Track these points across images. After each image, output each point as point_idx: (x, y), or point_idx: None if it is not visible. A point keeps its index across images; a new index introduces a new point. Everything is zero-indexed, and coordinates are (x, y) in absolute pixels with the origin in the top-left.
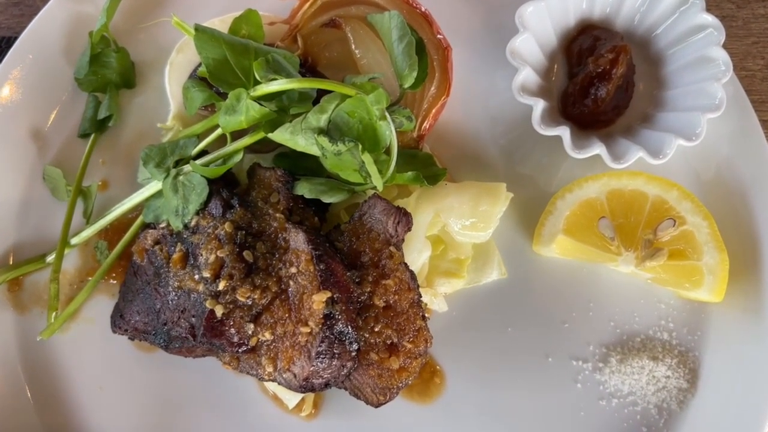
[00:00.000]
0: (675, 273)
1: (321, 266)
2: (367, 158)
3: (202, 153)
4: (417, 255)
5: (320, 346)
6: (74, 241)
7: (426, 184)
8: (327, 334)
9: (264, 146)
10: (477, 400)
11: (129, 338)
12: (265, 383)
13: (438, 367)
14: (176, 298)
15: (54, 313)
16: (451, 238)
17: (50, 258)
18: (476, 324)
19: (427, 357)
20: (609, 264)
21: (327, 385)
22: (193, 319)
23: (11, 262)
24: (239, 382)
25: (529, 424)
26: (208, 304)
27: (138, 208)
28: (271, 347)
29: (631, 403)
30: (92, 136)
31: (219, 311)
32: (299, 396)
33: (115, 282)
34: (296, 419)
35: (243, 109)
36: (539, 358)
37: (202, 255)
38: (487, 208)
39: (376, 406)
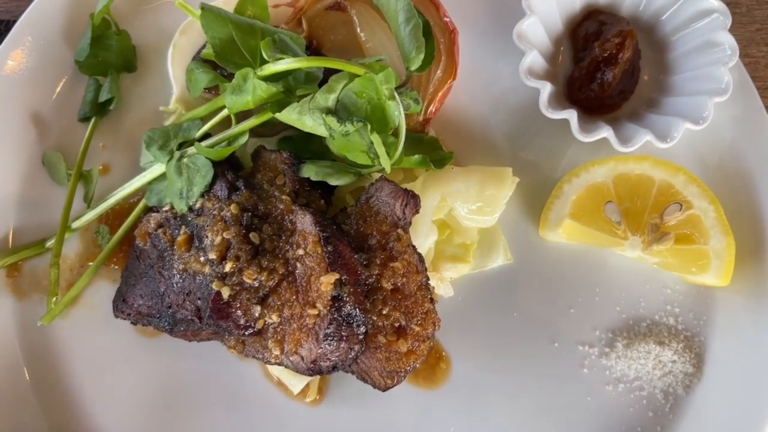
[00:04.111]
0: (681, 257)
1: (329, 248)
2: (375, 138)
3: (206, 136)
4: (423, 239)
5: (328, 328)
6: (75, 225)
7: (432, 167)
8: (335, 316)
9: (268, 130)
10: (483, 386)
11: (131, 323)
12: (269, 368)
13: (444, 353)
14: (181, 280)
15: (54, 299)
16: (457, 223)
17: (50, 243)
18: (482, 309)
19: (434, 340)
20: (615, 248)
21: (334, 367)
22: (199, 301)
23: (10, 247)
24: (243, 367)
25: (536, 409)
26: (214, 286)
27: (140, 193)
28: (278, 330)
29: (638, 387)
30: (93, 119)
31: (225, 293)
32: (304, 382)
33: (116, 267)
34: (301, 405)
35: (250, 89)
36: (545, 343)
37: (207, 237)
38: (494, 192)
39: (384, 390)
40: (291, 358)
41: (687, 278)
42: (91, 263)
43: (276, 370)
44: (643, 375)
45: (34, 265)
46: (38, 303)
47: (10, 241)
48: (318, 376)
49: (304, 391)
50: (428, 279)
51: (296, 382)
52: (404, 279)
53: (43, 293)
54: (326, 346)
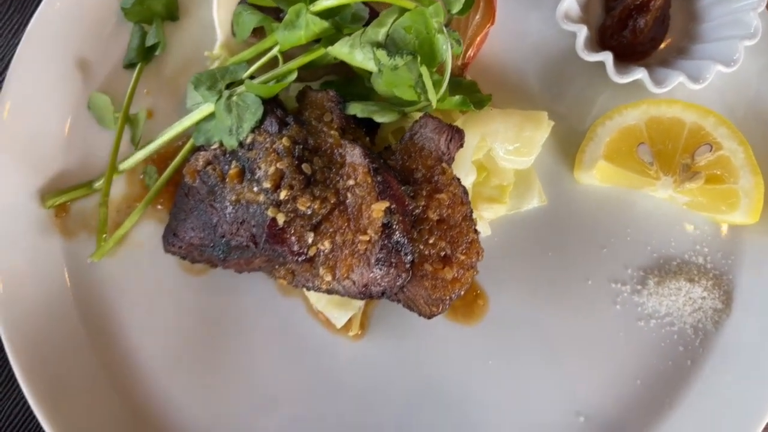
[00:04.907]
0: (712, 196)
1: (378, 178)
2: (424, 71)
3: (252, 78)
4: (463, 179)
5: (380, 253)
6: (123, 166)
7: (473, 108)
8: (385, 242)
9: (310, 74)
10: (519, 322)
11: (181, 256)
12: (313, 303)
13: (481, 290)
14: (234, 211)
15: (103, 237)
16: (494, 165)
17: (98, 184)
18: (517, 249)
19: (477, 271)
20: (647, 189)
21: (383, 293)
22: (254, 228)
23: (58, 189)
24: (287, 304)
25: (570, 344)
26: (269, 213)
27: (184, 137)
28: (330, 257)
29: (668, 323)
30: (138, 65)
31: (281, 219)
32: (347, 316)
33: (161, 207)
34: (343, 339)
35: (302, 24)
36: (579, 281)
37: (260, 168)
38: (531, 134)
39: (429, 317)
40: (343, 283)
41: (716, 218)
42: (137, 204)
43: (320, 305)
44: (674, 311)
45: (80, 206)
46: (86, 242)
47: (59, 183)
48: (360, 311)
49: (346, 326)
50: (472, 211)
51: (340, 316)
52: (449, 210)
53: (90, 233)
54: (377, 271)
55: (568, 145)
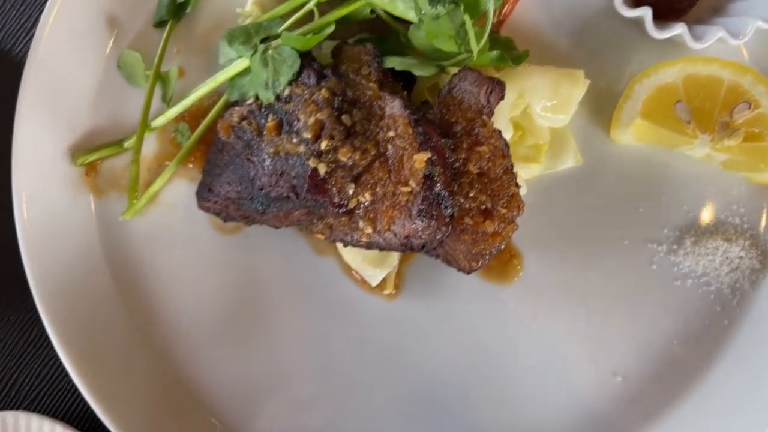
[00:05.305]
0: (749, 154)
1: (419, 129)
2: (467, 19)
3: None
4: None
5: (421, 204)
6: (155, 123)
7: (510, 64)
8: (427, 193)
9: (344, 32)
10: (554, 282)
11: (215, 213)
12: (348, 261)
13: (516, 250)
14: (273, 163)
15: (135, 195)
16: (529, 124)
17: (128, 143)
18: (553, 209)
19: (517, 225)
20: (684, 148)
21: (423, 246)
22: (294, 180)
23: (89, 147)
24: (320, 263)
25: (606, 305)
26: (311, 163)
27: (215, 96)
28: (370, 209)
29: (705, 283)
30: (169, 23)
31: (322, 169)
32: (383, 274)
33: (192, 166)
34: (378, 299)
35: None
36: (615, 241)
37: (300, 120)
38: (567, 92)
39: (468, 272)
40: (384, 236)
41: (753, 178)
42: (168, 163)
43: (355, 263)
44: (711, 271)
45: (111, 165)
46: (116, 202)
47: (89, 141)
48: (395, 270)
49: (381, 285)
50: (513, 164)
51: (375, 274)
52: (490, 163)
53: (121, 192)
54: (418, 222)
55: (603, 106)
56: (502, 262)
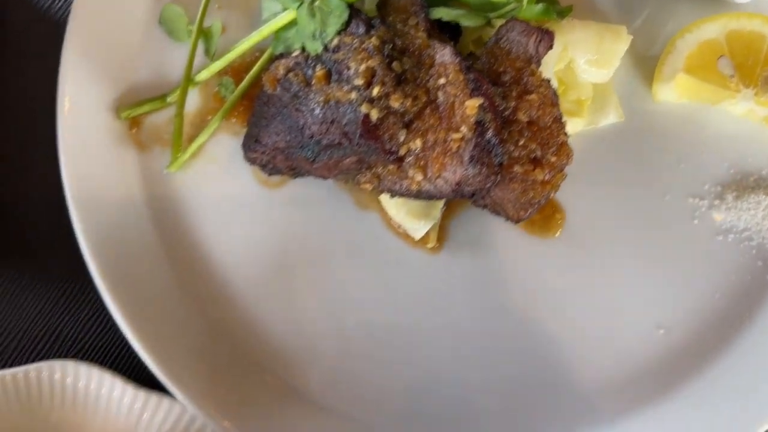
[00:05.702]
0: None
1: (470, 75)
2: None
3: None
4: None
5: (473, 151)
6: (199, 77)
7: (555, 17)
8: (478, 140)
9: None
10: (596, 237)
11: (261, 165)
12: (391, 215)
13: (559, 204)
14: (323, 112)
15: (179, 148)
16: (572, 79)
17: (171, 98)
18: (595, 165)
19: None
20: (727, 102)
21: (473, 194)
22: (346, 127)
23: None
24: (364, 217)
25: (647, 259)
26: (363, 109)
27: (257, 51)
28: (420, 156)
29: (747, 238)
30: None
31: (374, 115)
32: (427, 227)
33: (235, 121)
34: (421, 253)
35: None
36: (656, 196)
37: (350, 68)
38: (610, 46)
39: (516, 221)
40: (435, 182)
41: None
42: (210, 118)
43: (399, 216)
44: (753, 226)
45: (153, 120)
46: (159, 157)
47: (132, 96)
48: (438, 223)
49: (424, 239)
50: (561, 113)
51: (419, 227)
52: (540, 111)
53: (164, 147)
54: (470, 169)
55: (644, 62)
56: (544, 217)
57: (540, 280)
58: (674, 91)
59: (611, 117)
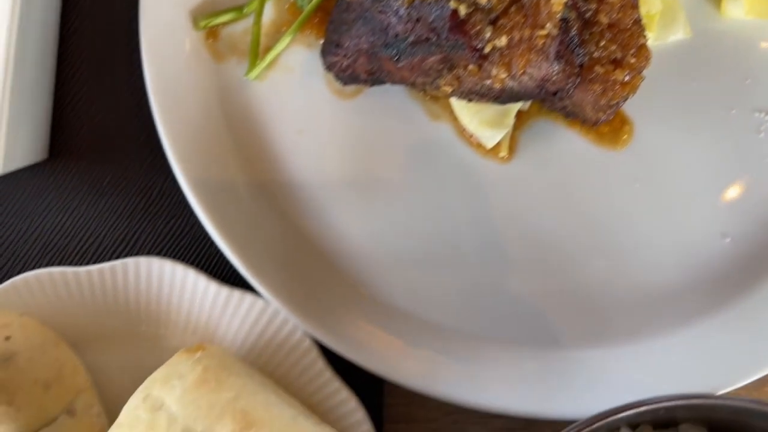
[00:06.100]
0: None
1: None
2: None
3: None
4: None
5: (559, 46)
6: None
7: None
8: (564, 37)
9: None
10: (664, 148)
11: (341, 69)
12: (464, 123)
13: (627, 117)
14: (407, 11)
15: (256, 56)
16: None
17: (248, 9)
18: (662, 79)
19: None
20: None
21: (555, 93)
22: (433, 23)
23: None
24: (436, 127)
25: (714, 170)
26: (451, 4)
27: None
28: (505, 53)
29: None
30: None
31: (462, 10)
32: (500, 135)
33: (310, 32)
34: (492, 162)
35: None
36: (723, 110)
37: None
38: None
39: (594, 124)
40: (520, 78)
41: None
42: (285, 29)
43: (472, 125)
44: None
45: (229, 31)
46: (235, 68)
47: (210, 7)
48: (509, 133)
49: (495, 149)
50: (641, 16)
51: (492, 135)
52: (620, 14)
53: (240, 57)
54: (555, 65)
55: None
56: (613, 128)
57: (607, 190)
58: (743, 8)
59: (679, 33)
